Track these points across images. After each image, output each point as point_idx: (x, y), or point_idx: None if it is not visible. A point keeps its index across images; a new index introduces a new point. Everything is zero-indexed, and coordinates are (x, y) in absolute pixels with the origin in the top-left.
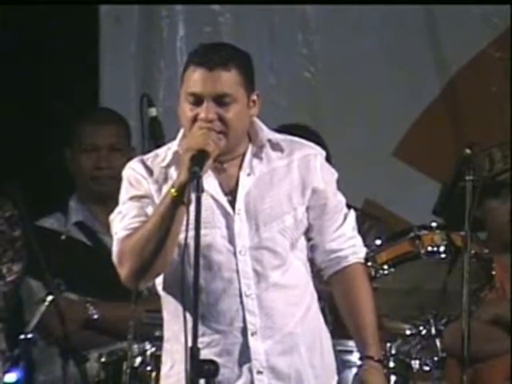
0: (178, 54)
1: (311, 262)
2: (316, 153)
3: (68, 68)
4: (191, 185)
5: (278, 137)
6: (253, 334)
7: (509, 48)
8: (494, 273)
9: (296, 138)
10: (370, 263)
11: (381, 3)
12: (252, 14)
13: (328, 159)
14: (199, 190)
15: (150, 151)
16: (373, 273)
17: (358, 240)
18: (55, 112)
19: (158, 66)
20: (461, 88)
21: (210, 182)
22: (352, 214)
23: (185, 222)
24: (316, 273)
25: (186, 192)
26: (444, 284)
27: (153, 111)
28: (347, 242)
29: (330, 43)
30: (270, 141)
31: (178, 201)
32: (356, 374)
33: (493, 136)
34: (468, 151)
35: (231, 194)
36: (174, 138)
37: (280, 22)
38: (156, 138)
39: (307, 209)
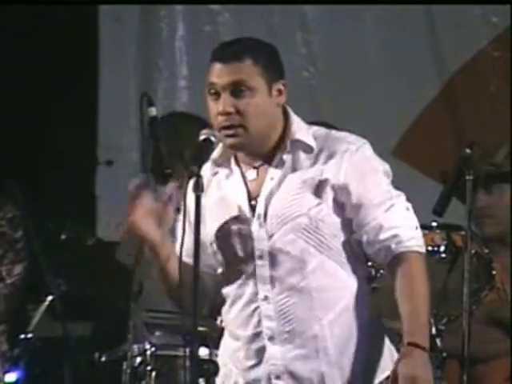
0: (177, 54)
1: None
2: (347, 147)
3: (68, 67)
4: (188, 185)
5: (313, 132)
6: (270, 339)
7: (508, 47)
8: (494, 272)
9: (334, 132)
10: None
11: (380, 3)
12: (251, 13)
13: None
14: (199, 189)
15: (149, 150)
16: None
17: (404, 230)
18: (56, 112)
19: (157, 65)
20: (460, 87)
21: (235, 184)
22: (397, 205)
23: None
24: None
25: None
26: (444, 284)
27: (153, 110)
28: (387, 233)
29: (329, 43)
30: (298, 141)
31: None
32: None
33: (492, 135)
34: (468, 151)
35: (255, 198)
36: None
37: (279, 22)
38: (156, 137)
39: (338, 205)
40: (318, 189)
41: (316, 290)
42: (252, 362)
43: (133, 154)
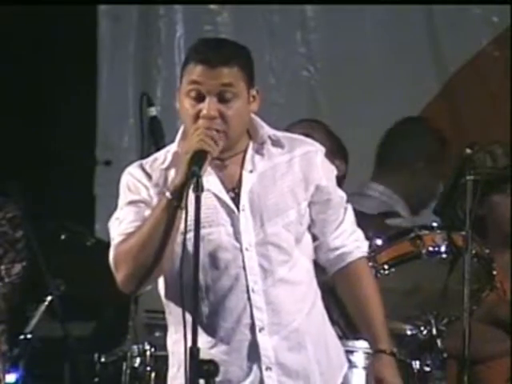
0: (176, 53)
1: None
2: (316, 149)
3: (67, 67)
4: (189, 185)
5: (278, 134)
6: (260, 330)
7: (508, 47)
8: (494, 273)
9: (296, 135)
10: (370, 263)
11: (380, 3)
12: (251, 13)
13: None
14: (199, 189)
15: (149, 150)
16: (373, 273)
17: (360, 234)
18: (55, 112)
19: (156, 65)
20: (460, 87)
21: (211, 180)
22: (350, 207)
23: (187, 223)
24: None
25: (184, 195)
26: (445, 284)
27: (152, 110)
28: (350, 238)
29: (328, 42)
30: (270, 137)
31: (173, 204)
32: (369, 368)
33: (492, 135)
34: (468, 151)
35: (233, 190)
36: (173, 137)
37: (279, 21)
38: (156, 137)
39: (309, 204)
40: (305, 185)
41: (297, 283)
42: (243, 355)
43: (132, 154)
